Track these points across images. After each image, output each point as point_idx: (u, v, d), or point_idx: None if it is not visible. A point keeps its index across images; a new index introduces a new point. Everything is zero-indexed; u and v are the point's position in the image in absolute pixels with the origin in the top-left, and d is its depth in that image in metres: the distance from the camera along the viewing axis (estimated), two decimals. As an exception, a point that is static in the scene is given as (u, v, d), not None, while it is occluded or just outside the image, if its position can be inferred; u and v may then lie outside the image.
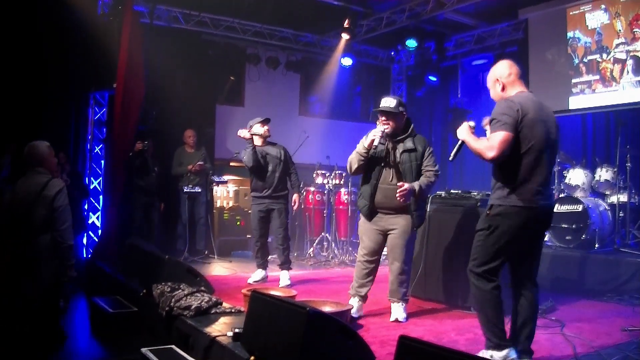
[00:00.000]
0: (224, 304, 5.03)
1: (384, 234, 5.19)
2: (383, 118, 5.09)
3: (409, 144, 5.09)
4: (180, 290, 5.05)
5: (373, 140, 4.99)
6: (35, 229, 4.75)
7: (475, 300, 3.93)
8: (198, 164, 8.74)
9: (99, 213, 9.41)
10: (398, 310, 5.12)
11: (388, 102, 5.10)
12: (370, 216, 5.21)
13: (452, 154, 4.07)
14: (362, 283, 5.27)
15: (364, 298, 5.29)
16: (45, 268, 4.81)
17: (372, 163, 5.13)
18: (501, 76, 3.91)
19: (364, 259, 5.27)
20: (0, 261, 4.75)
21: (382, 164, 5.12)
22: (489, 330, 3.76)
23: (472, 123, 4.00)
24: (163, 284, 5.20)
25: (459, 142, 3.97)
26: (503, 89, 3.89)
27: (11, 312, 4.58)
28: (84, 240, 9.15)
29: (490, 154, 3.64)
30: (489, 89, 4.02)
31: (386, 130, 5.04)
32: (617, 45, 8.43)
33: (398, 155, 5.08)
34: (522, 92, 3.86)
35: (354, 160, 5.15)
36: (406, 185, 4.88)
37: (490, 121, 3.76)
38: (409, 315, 5.23)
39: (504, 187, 3.76)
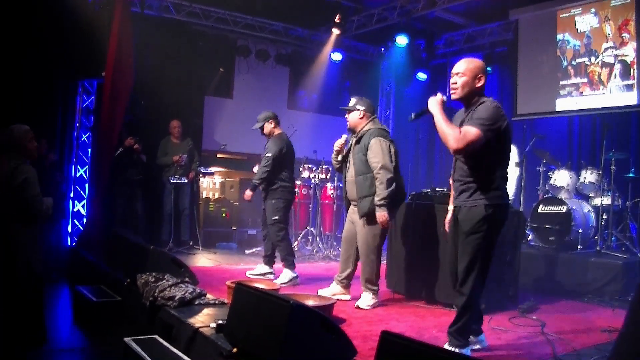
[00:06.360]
0: (208, 296, 5.04)
1: (353, 224, 5.60)
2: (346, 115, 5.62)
3: (360, 136, 5.48)
4: (164, 281, 5.04)
5: (338, 151, 5.67)
6: (8, 217, 4.69)
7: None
8: (182, 157, 8.73)
9: (85, 201, 9.36)
10: (362, 299, 5.42)
11: (350, 101, 5.63)
12: (348, 207, 5.73)
13: (413, 115, 4.17)
14: (342, 268, 5.70)
15: (342, 283, 5.65)
16: (20, 258, 4.75)
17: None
18: (484, 74, 3.92)
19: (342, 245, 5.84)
20: None
21: (346, 160, 5.67)
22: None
23: (445, 97, 3.96)
24: (147, 274, 5.19)
25: (425, 109, 3.97)
26: (480, 86, 3.90)
27: None
28: (69, 229, 9.09)
29: (455, 145, 3.69)
30: (465, 77, 3.88)
31: (345, 138, 5.65)
32: (606, 49, 8.49)
33: (352, 149, 5.59)
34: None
35: (333, 162, 5.85)
36: (379, 219, 5.24)
37: (468, 117, 3.85)
38: (391, 311, 5.28)
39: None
